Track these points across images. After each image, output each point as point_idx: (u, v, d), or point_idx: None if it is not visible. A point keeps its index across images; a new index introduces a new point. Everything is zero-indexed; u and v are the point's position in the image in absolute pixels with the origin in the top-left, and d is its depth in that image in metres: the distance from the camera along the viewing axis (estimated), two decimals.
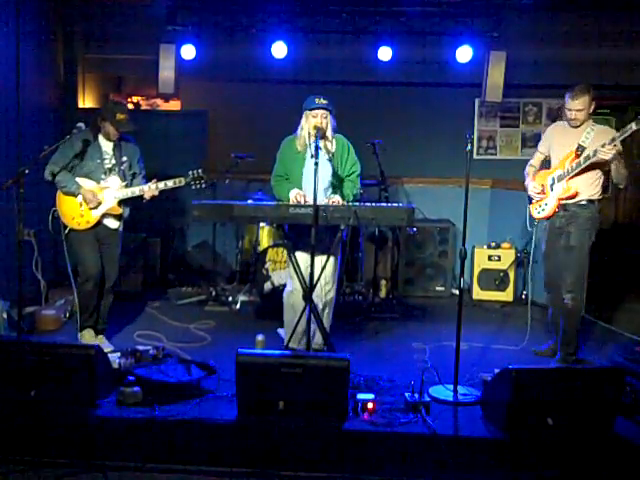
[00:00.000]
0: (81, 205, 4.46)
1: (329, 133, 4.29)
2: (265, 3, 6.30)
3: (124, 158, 4.58)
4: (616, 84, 6.61)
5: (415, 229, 6.42)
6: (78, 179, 4.45)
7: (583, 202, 4.32)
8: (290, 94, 6.00)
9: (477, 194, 6.48)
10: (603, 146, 4.03)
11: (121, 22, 6.65)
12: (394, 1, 6.19)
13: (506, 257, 6.43)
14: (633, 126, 3.98)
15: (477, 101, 6.89)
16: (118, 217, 4.59)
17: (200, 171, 4.54)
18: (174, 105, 7.63)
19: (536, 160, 4.64)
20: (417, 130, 6.90)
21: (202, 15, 6.40)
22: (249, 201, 4.50)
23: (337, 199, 4.19)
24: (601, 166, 4.24)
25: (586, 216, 4.32)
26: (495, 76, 6.26)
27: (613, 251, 7.31)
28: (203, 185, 4.57)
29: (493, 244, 6.50)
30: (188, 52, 6.37)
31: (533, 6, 6.18)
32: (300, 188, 4.28)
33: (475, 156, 6.88)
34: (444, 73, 6.62)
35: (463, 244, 3.89)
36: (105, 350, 4.58)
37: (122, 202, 4.55)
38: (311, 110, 4.23)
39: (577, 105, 4.24)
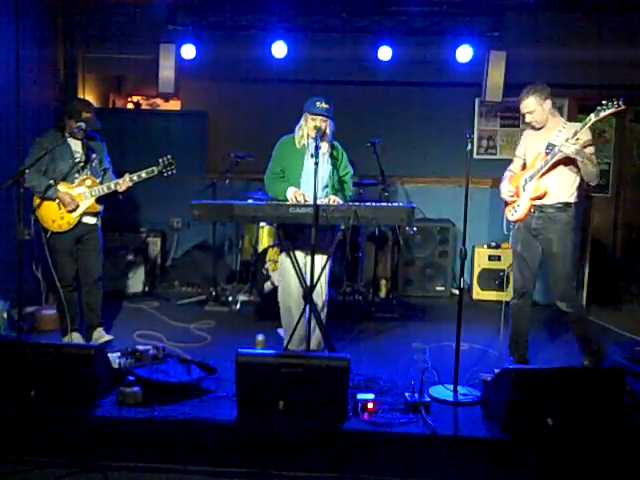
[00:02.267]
0: (60, 208, 4.47)
1: (327, 137, 4.31)
2: (265, 3, 6.31)
3: (94, 155, 4.63)
4: (616, 84, 6.60)
5: (415, 229, 6.42)
6: (54, 182, 4.45)
7: (559, 205, 4.15)
8: (290, 94, 6.01)
9: (477, 194, 6.48)
10: (567, 141, 3.93)
11: (121, 22, 6.66)
12: (394, 1, 6.20)
13: (506, 257, 6.41)
14: (592, 117, 3.87)
15: (477, 101, 6.90)
16: (96, 214, 4.63)
17: (169, 157, 4.62)
18: (174, 105, 7.64)
19: (515, 166, 4.48)
20: (417, 130, 6.91)
21: (202, 15, 6.41)
22: (249, 201, 4.50)
23: (337, 199, 4.20)
24: (573, 165, 4.08)
25: (564, 220, 4.15)
26: (495, 76, 6.26)
27: (613, 251, 7.32)
28: (174, 170, 4.64)
29: (493, 244, 6.50)
30: (188, 52, 6.37)
31: (533, 6, 6.19)
32: (298, 187, 4.28)
33: (475, 156, 6.88)
34: (444, 73, 6.63)
35: (463, 244, 3.89)
36: (105, 339, 4.68)
37: (99, 199, 4.59)
38: (312, 114, 4.24)
39: (525, 108, 4.16)
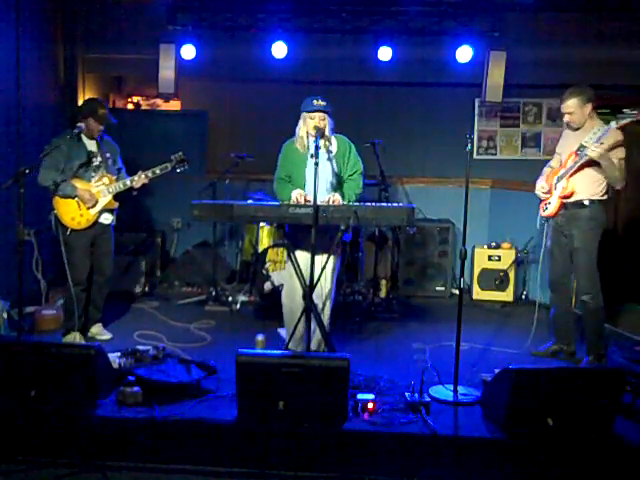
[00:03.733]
0: (79, 205, 4.58)
1: (327, 133, 4.30)
2: (265, 3, 6.30)
3: (108, 154, 4.76)
4: (616, 84, 6.60)
5: (415, 229, 6.42)
6: (72, 180, 4.58)
7: (584, 202, 4.33)
8: (290, 94, 5.98)
9: (477, 194, 6.48)
10: (593, 144, 4.11)
11: (121, 22, 6.66)
12: (394, 1, 6.19)
13: (506, 257, 6.43)
14: (612, 125, 4.06)
15: (477, 101, 6.89)
16: (111, 211, 4.76)
17: (181, 154, 4.77)
18: (174, 105, 7.63)
19: (554, 161, 4.64)
20: (417, 130, 6.91)
21: (202, 15, 6.40)
22: (249, 201, 4.50)
23: (337, 198, 4.19)
24: (599, 166, 4.23)
25: (586, 216, 4.33)
26: (495, 76, 6.26)
27: (613, 251, 7.31)
28: (186, 166, 4.79)
29: (493, 244, 6.50)
30: (188, 52, 6.37)
31: (533, 6, 6.18)
32: (303, 190, 4.27)
33: (475, 156, 6.88)
34: (444, 73, 6.62)
35: (463, 244, 3.89)
36: (103, 338, 4.80)
37: (115, 196, 4.72)
38: (309, 113, 4.23)
39: (566, 108, 4.32)
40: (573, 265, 4.45)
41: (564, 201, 4.38)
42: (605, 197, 4.35)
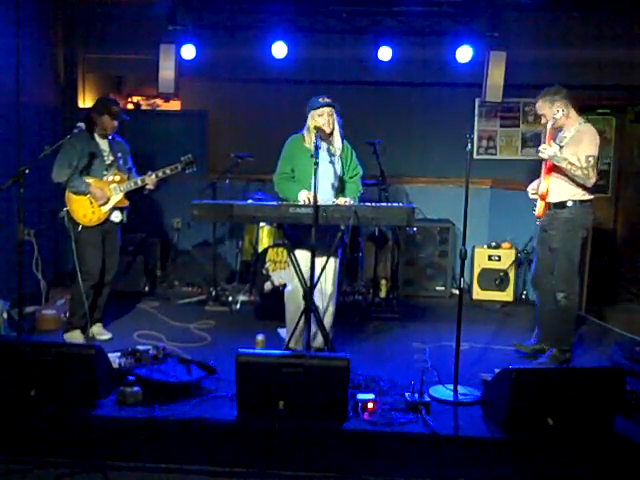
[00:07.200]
0: (91, 202, 4.63)
1: (336, 132, 4.29)
2: (265, 3, 6.30)
3: (119, 154, 4.81)
4: (616, 84, 6.61)
5: (415, 229, 6.42)
6: (85, 177, 4.64)
7: (566, 202, 4.37)
8: (290, 94, 6.01)
9: (477, 194, 6.48)
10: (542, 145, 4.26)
11: (121, 22, 6.67)
12: (394, 1, 6.19)
13: (506, 257, 6.43)
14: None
15: (477, 101, 6.90)
16: (122, 210, 4.80)
17: (190, 156, 4.83)
18: (174, 105, 7.63)
19: None
20: (417, 130, 6.91)
21: (202, 15, 6.39)
22: (249, 201, 4.51)
23: (348, 200, 4.18)
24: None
25: (564, 217, 4.36)
26: (495, 76, 6.26)
27: (613, 251, 7.32)
28: (195, 168, 4.85)
29: (493, 244, 6.50)
30: (188, 52, 6.37)
31: (533, 6, 6.18)
32: (308, 188, 4.26)
33: (475, 156, 6.88)
34: (444, 73, 6.62)
35: (463, 244, 3.89)
36: (103, 337, 4.81)
37: (126, 194, 4.77)
38: (316, 109, 4.22)
39: (538, 109, 4.42)
40: (554, 263, 4.48)
41: (547, 201, 4.42)
42: (588, 197, 4.37)
